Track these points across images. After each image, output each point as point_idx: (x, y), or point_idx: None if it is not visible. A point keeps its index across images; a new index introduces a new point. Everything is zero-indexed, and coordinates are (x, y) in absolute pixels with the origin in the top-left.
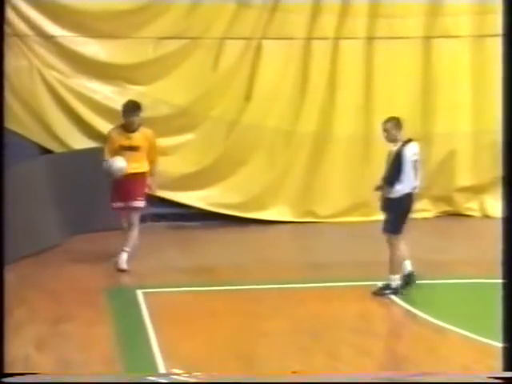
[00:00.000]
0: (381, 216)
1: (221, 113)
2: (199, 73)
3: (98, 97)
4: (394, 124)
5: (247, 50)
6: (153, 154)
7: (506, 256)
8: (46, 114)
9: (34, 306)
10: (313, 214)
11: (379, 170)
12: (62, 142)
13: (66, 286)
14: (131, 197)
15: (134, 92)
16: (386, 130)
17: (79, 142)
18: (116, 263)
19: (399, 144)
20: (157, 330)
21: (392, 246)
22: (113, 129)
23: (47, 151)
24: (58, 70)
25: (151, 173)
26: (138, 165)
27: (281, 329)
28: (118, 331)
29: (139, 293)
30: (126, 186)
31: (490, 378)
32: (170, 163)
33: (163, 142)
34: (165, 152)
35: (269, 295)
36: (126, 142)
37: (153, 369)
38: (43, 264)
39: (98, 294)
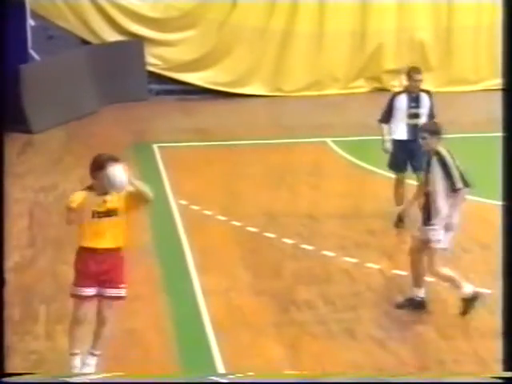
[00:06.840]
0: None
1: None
2: None
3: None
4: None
5: None
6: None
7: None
8: (85, 13)
9: (78, 155)
10: (280, 89)
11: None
12: (97, 36)
13: (101, 141)
14: (109, 281)
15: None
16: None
17: (110, 36)
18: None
19: None
20: (167, 172)
21: None
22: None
23: (87, 42)
24: None
25: None
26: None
27: (257, 173)
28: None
29: (155, 147)
30: (100, 265)
31: (491, 378)
32: (177, 52)
33: (171, 36)
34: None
35: (248, 148)
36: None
37: (164, 202)
38: (85, 125)
39: (126, 147)
